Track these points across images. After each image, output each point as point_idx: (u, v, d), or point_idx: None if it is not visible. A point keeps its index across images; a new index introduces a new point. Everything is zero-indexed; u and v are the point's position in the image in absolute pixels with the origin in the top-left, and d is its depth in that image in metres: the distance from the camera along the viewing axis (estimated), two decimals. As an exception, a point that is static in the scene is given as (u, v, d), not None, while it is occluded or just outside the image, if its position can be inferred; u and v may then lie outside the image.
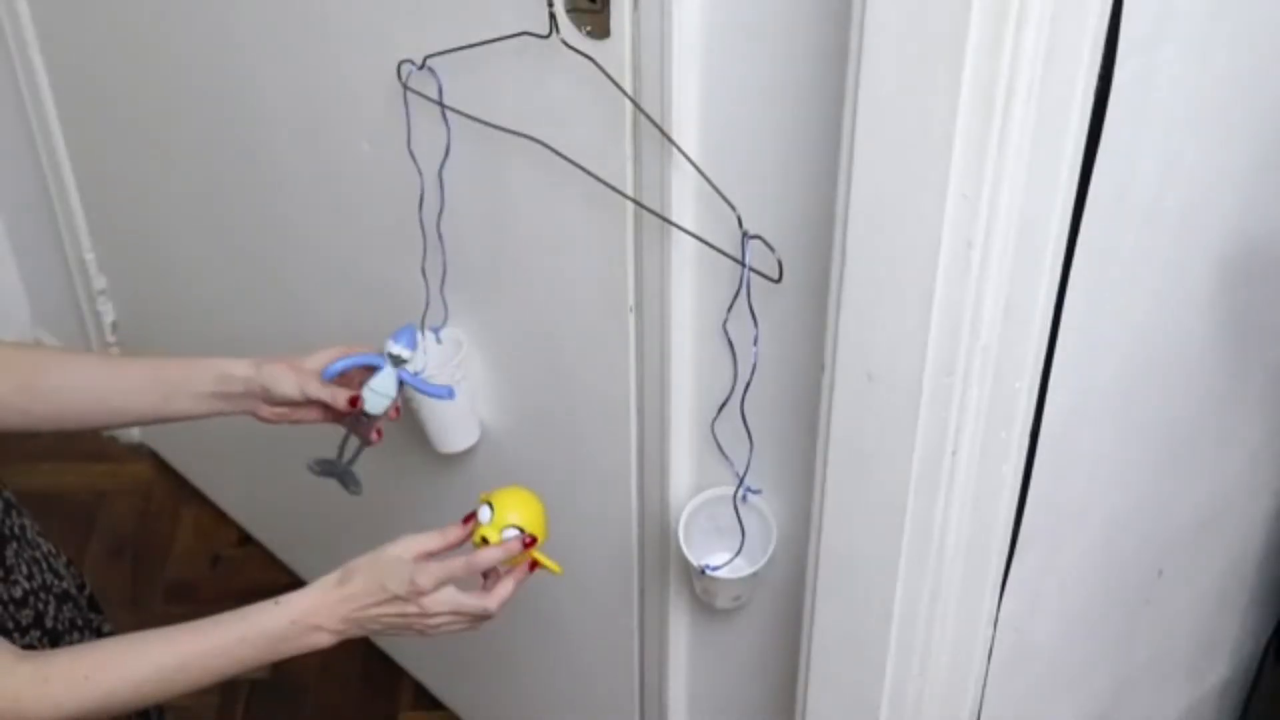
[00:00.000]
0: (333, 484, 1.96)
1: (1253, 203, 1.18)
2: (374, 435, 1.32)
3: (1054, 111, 0.89)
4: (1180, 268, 1.15)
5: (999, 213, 0.91)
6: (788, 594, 1.29)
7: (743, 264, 1.12)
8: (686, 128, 1.12)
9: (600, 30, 1.12)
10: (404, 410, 1.49)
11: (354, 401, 1.28)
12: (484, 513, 1.19)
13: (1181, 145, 1.05)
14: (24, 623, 1.17)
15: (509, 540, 1.18)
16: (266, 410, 1.29)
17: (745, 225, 1.11)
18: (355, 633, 1.16)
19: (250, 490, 2.29)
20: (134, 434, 2.53)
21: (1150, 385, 1.22)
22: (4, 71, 2.18)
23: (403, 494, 1.78)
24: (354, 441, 1.34)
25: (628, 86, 1.13)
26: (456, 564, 1.17)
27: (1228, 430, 1.37)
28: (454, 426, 1.52)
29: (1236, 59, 1.05)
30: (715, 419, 1.25)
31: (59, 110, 2.16)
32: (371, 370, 1.29)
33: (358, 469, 1.36)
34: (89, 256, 2.31)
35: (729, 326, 1.18)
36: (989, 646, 1.19)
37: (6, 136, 2.28)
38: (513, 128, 1.25)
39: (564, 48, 1.15)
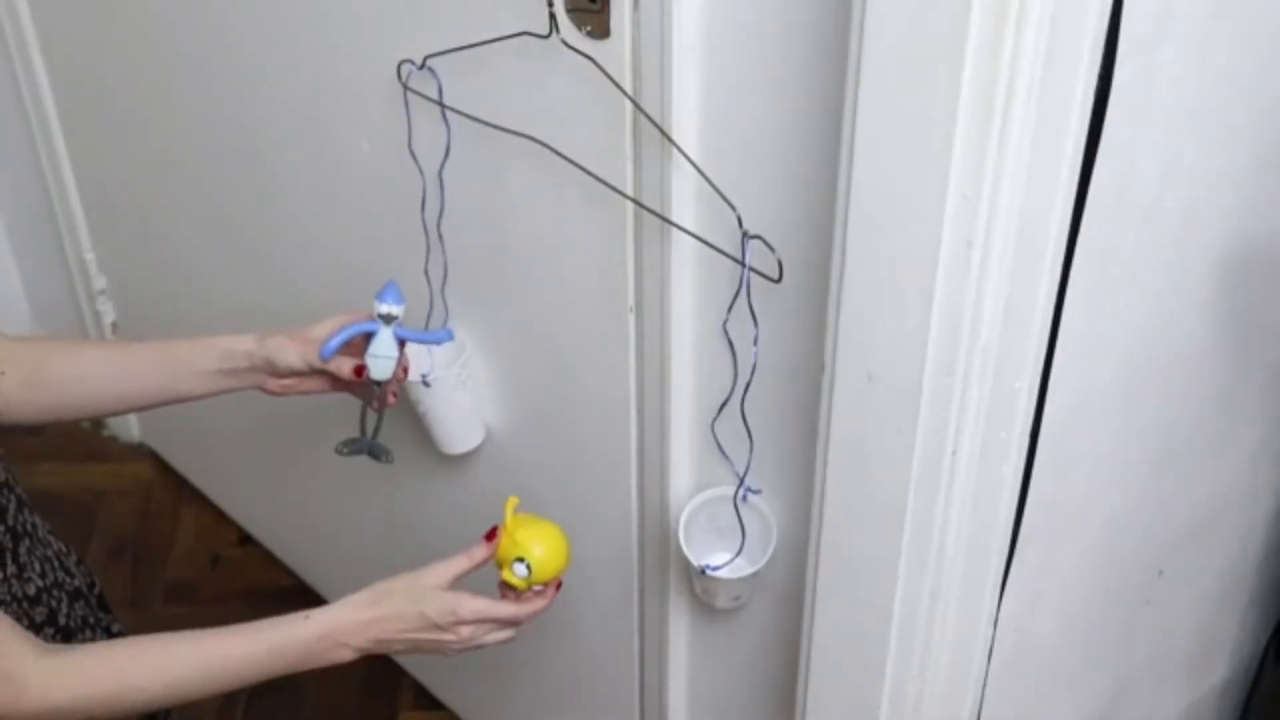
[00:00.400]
0: (331, 484, 1.96)
1: (1253, 203, 1.18)
2: (390, 399, 1.33)
3: (1054, 111, 0.89)
4: (1180, 268, 1.15)
5: (999, 213, 0.91)
6: (788, 594, 1.29)
7: (743, 264, 1.12)
8: (686, 128, 1.12)
9: (600, 30, 1.12)
10: (410, 413, 1.49)
11: (359, 370, 1.28)
12: (520, 569, 1.22)
13: (1181, 145, 1.05)
14: (38, 620, 1.17)
15: (549, 590, 1.25)
16: (273, 383, 1.30)
17: (745, 225, 1.11)
18: (377, 651, 1.19)
19: (250, 490, 2.29)
20: (134, 434, 2.53)
21: (1150, 385, 1.22)
22: (4, 71, 2.18)
23: (404, 494, 1.78)
24: (373, 414, 1.34)
25: (628, 86, 1.13)
26: (504, 611, 1.22)
27: (1228, 430, 1.37)
28: (459, 427, 1.52)
29: (1236, 59, 1.05)
30: (715, 419, 1.25)
31: (59, 110, 2.16)
32: (369, 337, 1.29)
33: (383, 439, 1.37)
34: (89, 256, 2.31)
35: (729, 326, 1.18)
36: (989, 646, 1.19)
37: (6, 136, 2.28)
38: (513, 128, 1.25)
39: (564, 48, 1.15)
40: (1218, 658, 1.65)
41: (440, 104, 1.31)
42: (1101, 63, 0.90)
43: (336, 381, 1.31)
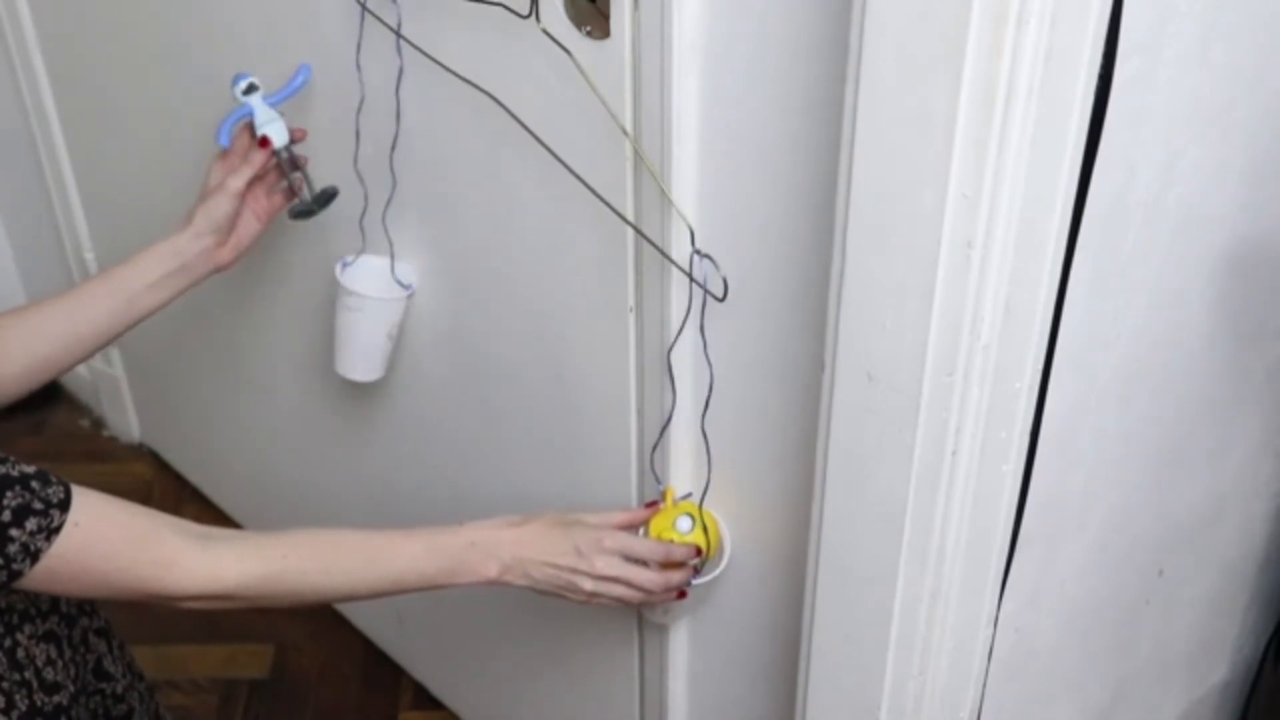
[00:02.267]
0: (332, 483, 1.96)
1: (1253, 203, 1.18)
2: (302, 161, 1.44)
3: (1054, 111, 0.89)
4: (1180, 267, 1.15)
5: (999, 213, 0.91)
6: (788, 594, 1.29)
7: (691, 277, 1.11)
8: (687, 127, 1.12)
9: (600, 30, 1.12)
10: (427, 427, 1.48)
11: (264, 142, 1.39)
12: (684, 523, 1.27)
13: (1181, 145, 1.05)
14: (44, 608, 1.20)
15: (690, 549, 1.26)
16: (223, 253, 1.39)
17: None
18: (518, 578, 1.22)
19: (250, 490, 2.29)
20: (134, 434, 2.54)
21: (1150, 385, 1.22)
22: (4, 71, 2.18)
23: (406, 494, 1.78)
24: (297, 179, 1.45)
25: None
26: (643, 542, 1.25)
27: (1228, 430, 1.37)
28: (346, 349, 1.53)
29: (1236, 59, 1.05)
30: (703, 417, 1.25)
31: (59, 110, 2.16)
32: (250, 127, 1.41)
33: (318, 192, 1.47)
34: (89, 256, 2.31)
35: (673, 351, 1.20)
36: (989, 646, 1.19)
37: (6, 136, 2.28)
38: (513, 125, 1.26)
39: (570, 61, 1.15)
40: (1218, 658, 1.65)
41: (449, 60, 1.31)
42: (1101, 63, 0.90)
43: (266, 210, 1.41)
